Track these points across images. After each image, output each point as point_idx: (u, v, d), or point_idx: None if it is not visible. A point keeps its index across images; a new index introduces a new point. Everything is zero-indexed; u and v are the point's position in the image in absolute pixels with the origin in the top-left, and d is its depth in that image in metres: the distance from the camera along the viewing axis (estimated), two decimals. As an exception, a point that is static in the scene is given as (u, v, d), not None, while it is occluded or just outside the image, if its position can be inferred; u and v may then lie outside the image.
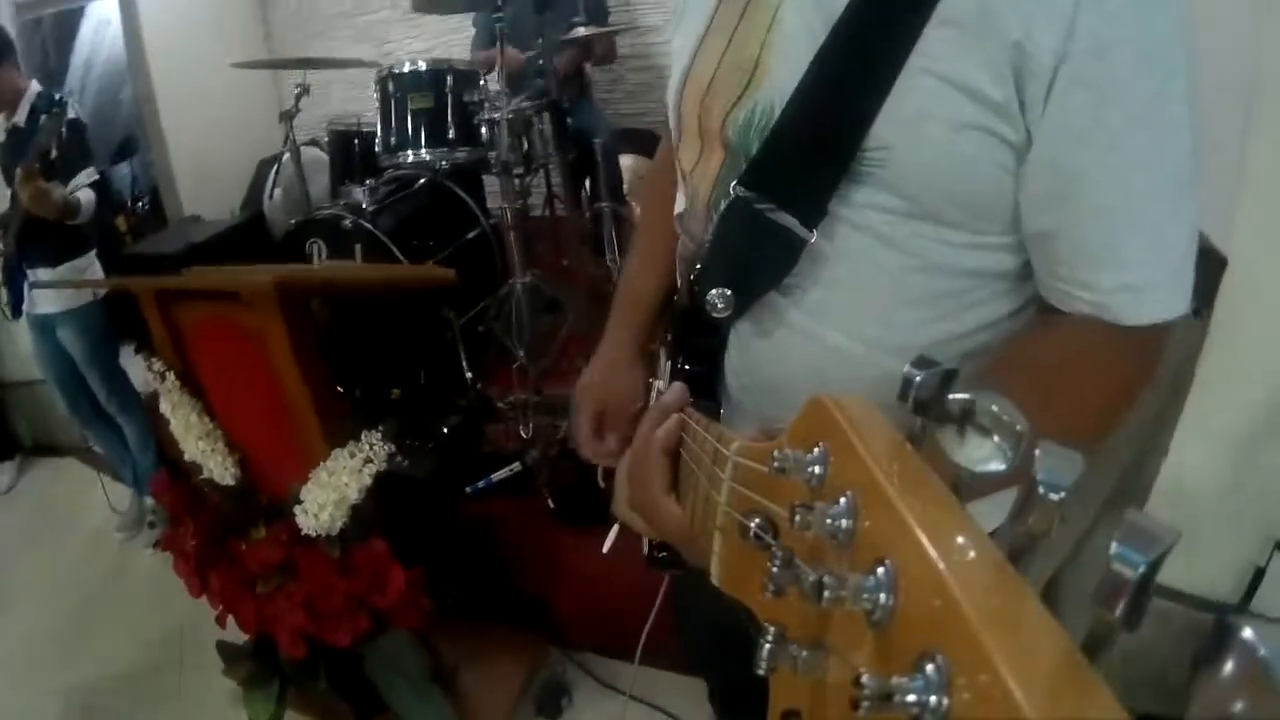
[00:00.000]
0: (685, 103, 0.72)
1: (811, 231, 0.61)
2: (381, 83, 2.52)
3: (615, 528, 0.82)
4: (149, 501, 2.57)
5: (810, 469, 0.30)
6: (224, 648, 1.57)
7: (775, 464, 0.32)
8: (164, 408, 1.47)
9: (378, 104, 2.53)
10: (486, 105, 2.31)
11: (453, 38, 3.71)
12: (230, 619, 1.48)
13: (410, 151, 2.50)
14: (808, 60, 0.58)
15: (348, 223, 2.32)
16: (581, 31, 2.66)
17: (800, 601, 0.27)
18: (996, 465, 0.24)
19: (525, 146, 2.32)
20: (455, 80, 2.48)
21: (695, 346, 0.73)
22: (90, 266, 2.35)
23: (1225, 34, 1.03)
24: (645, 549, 0.76)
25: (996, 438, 0.24)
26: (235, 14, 4.21)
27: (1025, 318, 0.65)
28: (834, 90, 0.57)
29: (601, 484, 0.95)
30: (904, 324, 0.63)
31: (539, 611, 1.86)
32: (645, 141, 3.00)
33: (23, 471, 3.19)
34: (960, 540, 0.22)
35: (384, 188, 2.54)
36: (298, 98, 2.67)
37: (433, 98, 2.47)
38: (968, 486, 0.25)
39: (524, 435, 2.19)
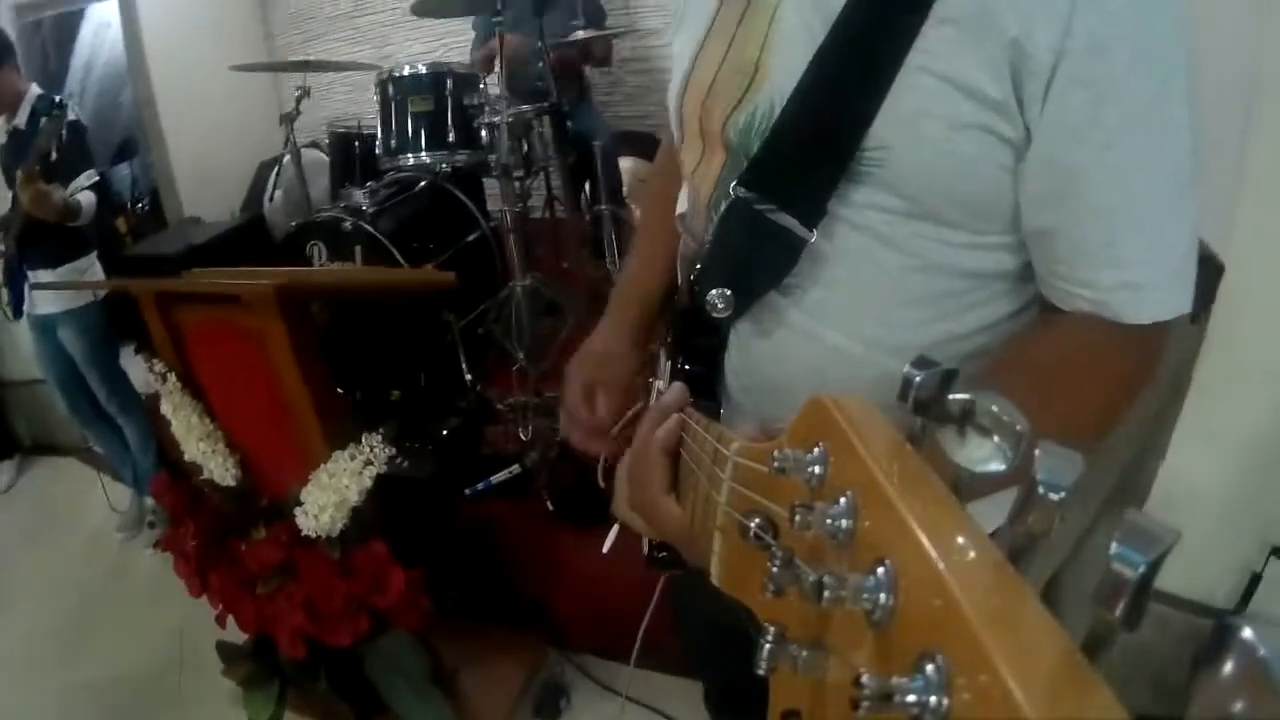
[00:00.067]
0: (686, 106, 0.72)
1: (811, 231, 0.61)
2: (382, 86, 2.52)
3: (615, 528, 0.82)
4: (149, 501, 2.57)
5: (810, 469, 0.30)
6: (224, 648, 1.57)
7: (775, 464, 0.32)
8: (165, 409, 1.47)
9: (378, 107, 2.54)
10: (487, 108, 2.31)
11: (452, 40, 3.72)
12: (230, 619, 1.48)
13: (410, 154, 2.51)
14: (806, 61, 0.58)
15: (348, 225, 2.32)
16: (580, 34, 2.66)
17: (800, 601, 0.27)
18: (996, 465, 0.24)
19: (525, 149, 2.33)
20: (455, 83, 2.49)
21: (695, 346, 0.73)
22: (91, 268, 2.36)
23: (1224, 34, 1.03)
24: (645, 549, 0.76)
25: (996, 438, 0.24)
26: (235, 16, 4.22)
27: (1025, 319, 0.65)
28: (832, 90, 0.57)
29: (601, 484, 0.95)
30: (904, 324, 0.63)
31: (538, 613, 1.86)
32: (645, 144, 3.00)
33: (22, 471, 3.20)
34: (960, 540, 0.22)
35: (384, 190, 2.54)
36: (298, 100, 2.67)
37: (433, 101, 2.48)
38: (968, 486, 0.25)
39: (523, 437, 2.19)
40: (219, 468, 1.44)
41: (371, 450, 1.33)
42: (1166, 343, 0.59)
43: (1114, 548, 0.20)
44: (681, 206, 0.80)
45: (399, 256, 2.30)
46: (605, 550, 0.89)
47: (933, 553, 0.21)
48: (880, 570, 0.23)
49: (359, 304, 2.15)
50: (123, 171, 3.98)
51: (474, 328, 2.47)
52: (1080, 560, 1.27)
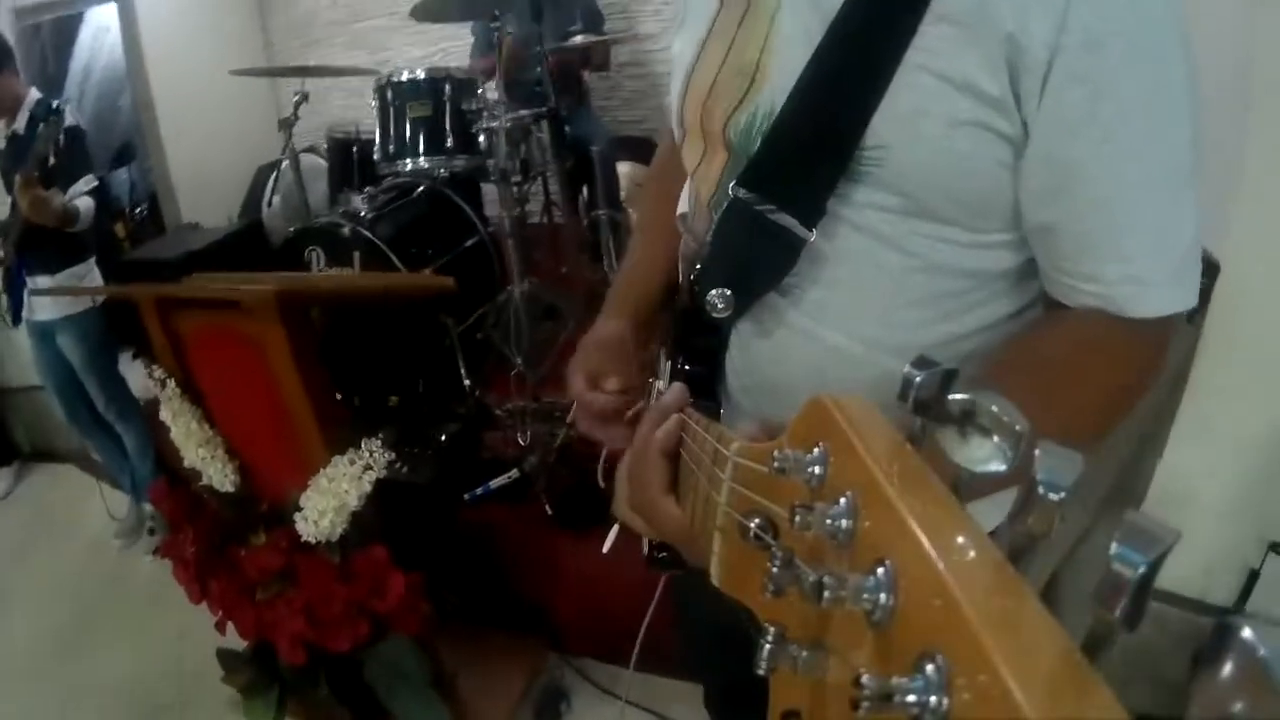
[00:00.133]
0: (687, 106, 0.72)
1: (811, 231, 0.61)
2: (380, 91, 2.53)
3: (615, 528, 0.82)
4: (147, 508, 2.56)
5: (810, 469, 0.30)
6: (223, 654, 1.57)
7: (775, 464, 0.32)
8: (164, 415, 1.47)
9: (376, 112, 2.54)
10: (485, 113, 2.31)
11: (451, 45, 3.73)
12: (230, 626, 1.47)
13: (409, 159, 2.51)
14: (805, 61, 0.58)
15: (346, 230, 2.32)
16: (579, 39, 2.66)
17: (800, 602, 0.27)
18: (996, 465, 0.24)
19: (523, 154, 2.33)
20: (453, 88, 2.49)
21: (695, 346, 0.73)
22: (90, 273, 2.35)
23: (1218, 31, 1.03)
24: (645, 549, 0.76)
25: (996, 438, 0.24)
26: (234, 21, 4.22)
27: (1026, 319, 0.65)
28: (831, 89, 0.58)
29: (601, 484, 0.95)
30: (904, 324, 0.63)
31: (538, 617, 1.86)
32: (643, 149, 3.01)
33: (21, 477, 3.19)
34: (960, 540, 0.22)
35: (382, 195, 2.54)
36: (296, 105, 2.68)
37: (431, 106, 2.48)
38: (968, 486, 0.25)
39: (522, 442, 2.18)
40: (218, 474, 1.44)
41: (371, 455, 1.33)
42: (1170, 339, 0.59)
43: (1114, 548, 0.20)
44: (683, 206, 0.80)
45: (397, 262, 2.30)
46: (605, 551, 0.89)
47: (933, 553, 0.21)
48: (880, 570, 0.23)
49: (357, 309, 2.15)
50: (121, 176, 3.98)
51: (472, 333, 2.47)
52: (1080, 560, 1.27)
